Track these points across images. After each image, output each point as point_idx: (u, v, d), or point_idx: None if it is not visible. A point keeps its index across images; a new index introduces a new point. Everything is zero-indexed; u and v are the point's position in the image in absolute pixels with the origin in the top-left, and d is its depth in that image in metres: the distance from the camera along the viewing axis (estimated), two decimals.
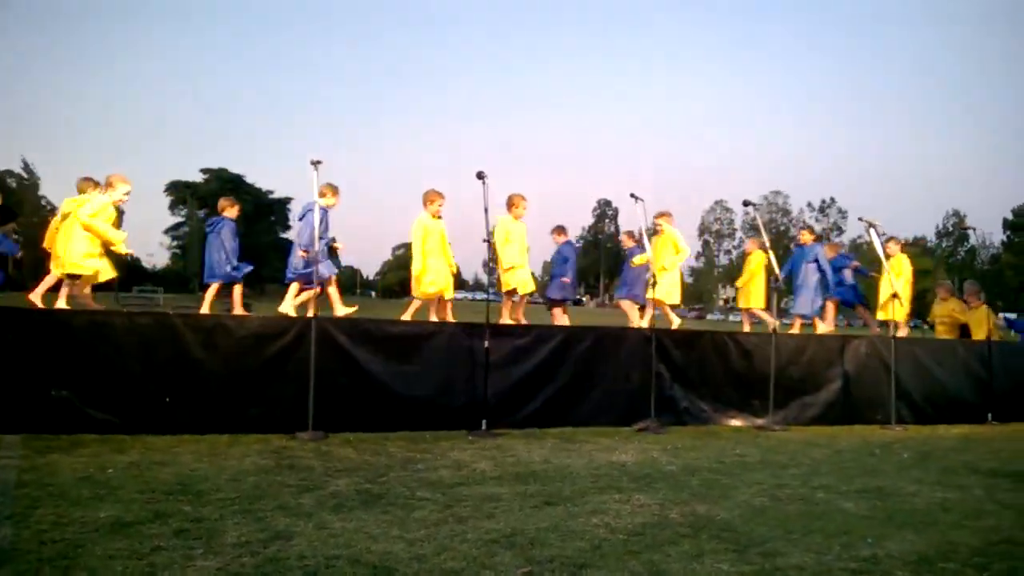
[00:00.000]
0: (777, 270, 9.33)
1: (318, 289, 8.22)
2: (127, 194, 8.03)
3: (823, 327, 10.73)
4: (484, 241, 8.04)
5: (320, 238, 8.18)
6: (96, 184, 8.43)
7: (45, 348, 6.54)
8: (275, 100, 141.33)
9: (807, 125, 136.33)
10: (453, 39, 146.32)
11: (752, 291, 11.05)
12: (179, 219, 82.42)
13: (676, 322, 9.79)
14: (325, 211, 8.50)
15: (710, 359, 8.71)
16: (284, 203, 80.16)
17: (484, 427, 7.31)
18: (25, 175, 66.08)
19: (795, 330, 10.42)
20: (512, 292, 9.40)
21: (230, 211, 9.27)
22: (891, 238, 11.41)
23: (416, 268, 8.60)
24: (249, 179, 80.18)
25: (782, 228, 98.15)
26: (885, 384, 9.27)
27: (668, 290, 9.73)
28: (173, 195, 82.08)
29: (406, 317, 8.37)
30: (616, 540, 3.98)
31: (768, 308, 10.29)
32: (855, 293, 11.91)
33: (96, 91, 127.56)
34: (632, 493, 5.09)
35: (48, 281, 8.07)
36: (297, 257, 8.68)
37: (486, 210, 7.79)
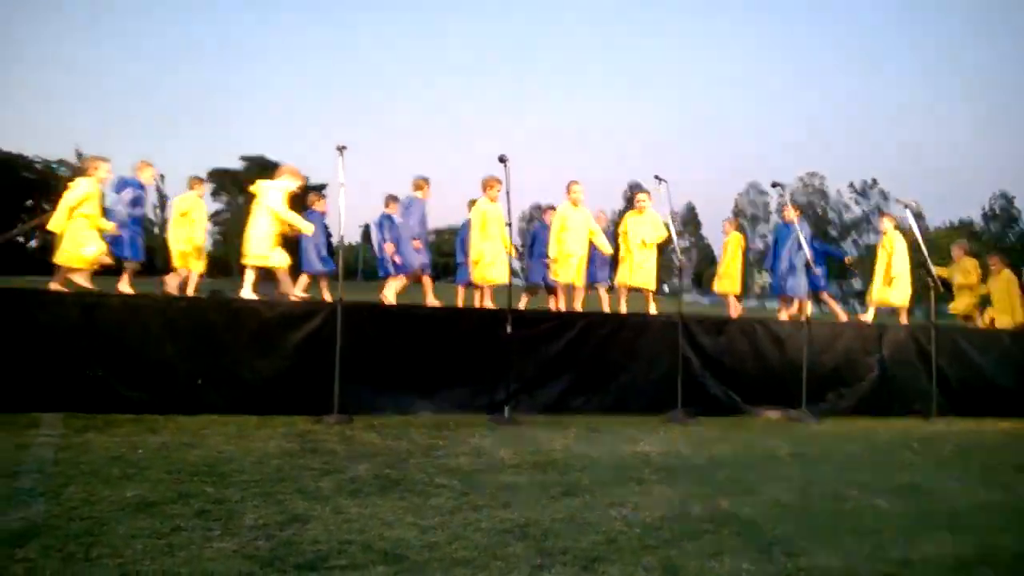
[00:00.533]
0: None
1: (410, 278, 8.84)
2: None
3: (785, 314, 10.34)
4: (507, 224, 8.01)
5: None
6: (201, 181, 9.65)
7: (81, 329, 6.69)
8: (309, 84, 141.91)
9: (846, 102, 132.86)
10: (487, 20, 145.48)
11: (734, 275, 10.95)
12: (220, 206, 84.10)
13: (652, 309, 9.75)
14: (423, 203, 8.89)
15: (740, 347, 8.56)
16: (320, 189, 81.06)
17: (506, 414, 7.29)
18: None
19: (793, 313, 10.17)
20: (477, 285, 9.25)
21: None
22: (883, 214, 10.95)
23: (474, 253, 8.72)
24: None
25: (820, 211, 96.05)
26: (925, 374, 9.02)
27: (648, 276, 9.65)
28: (214, 182, 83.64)
29: (389, 294, 8.54)
30: (632, 534, 3.92)
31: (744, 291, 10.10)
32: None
33: (137, 78, 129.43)
34: (653, 485, 5.02)
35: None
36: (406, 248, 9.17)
37: (508, 194, 7.74)
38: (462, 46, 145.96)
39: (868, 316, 10.46)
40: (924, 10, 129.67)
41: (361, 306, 7.66)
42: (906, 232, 10.21)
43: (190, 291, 9.34)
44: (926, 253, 9.80)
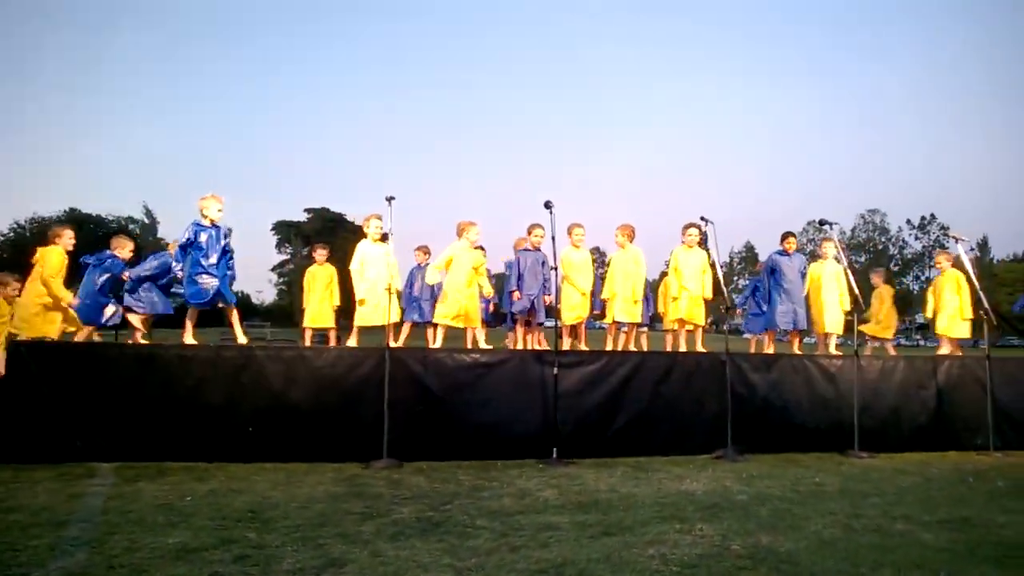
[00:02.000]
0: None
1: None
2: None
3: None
4: (552, 269, 8.08)
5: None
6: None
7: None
8: (365, 137, 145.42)
9: (906, 138, 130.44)
10: (530, 65, 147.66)
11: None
12: (284, 256, 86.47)
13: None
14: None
15: (790, 383, 8.40)
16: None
17: (555, 455, 7.28)
18: (146, 219, 70.72)
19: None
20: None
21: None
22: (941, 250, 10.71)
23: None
24: (348, 217, 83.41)
25: (880, 247, 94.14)
26: (983, 407, 8.72)
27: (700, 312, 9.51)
28: (279, 234, 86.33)
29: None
30: (669, 572, 3.89)
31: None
32: None
33: (203, 134, 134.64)
34: (695, 523, 4.96)
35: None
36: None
37: (553, 239, 7.83)
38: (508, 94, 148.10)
39: (943, 349, 10.31)
40: (985, 38, 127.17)
41: (410, 351, 7.76)
42: (961, 266, 10.03)
43: None
44: (977, 286, 9.60)
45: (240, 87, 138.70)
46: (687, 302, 9.30)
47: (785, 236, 10.05)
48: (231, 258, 8.10)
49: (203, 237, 7.82)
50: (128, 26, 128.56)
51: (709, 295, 9.34)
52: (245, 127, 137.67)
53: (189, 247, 7.80)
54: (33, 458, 6.57)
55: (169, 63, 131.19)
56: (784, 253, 9.96)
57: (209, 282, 7.79)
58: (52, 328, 8.01)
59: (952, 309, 10.20)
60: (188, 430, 6.94)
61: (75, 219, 74.79)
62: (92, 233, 75.07)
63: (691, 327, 9.45)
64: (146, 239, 70.15)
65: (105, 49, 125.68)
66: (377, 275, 8.50)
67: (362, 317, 8.58)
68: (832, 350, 9.60)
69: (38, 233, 73.27)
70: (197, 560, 3.95)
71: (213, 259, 7.81)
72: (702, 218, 8.90)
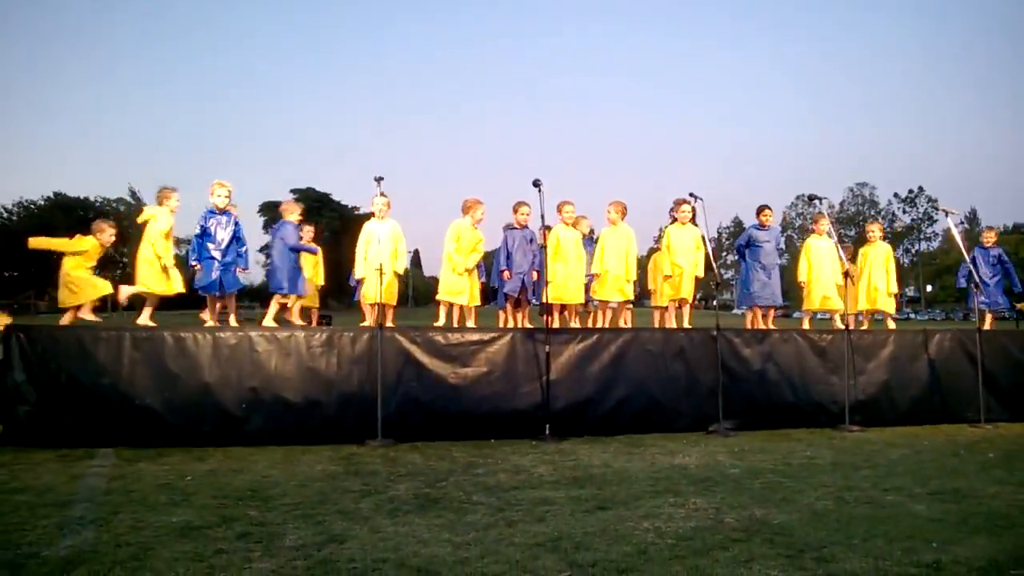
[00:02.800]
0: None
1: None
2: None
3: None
4: (541, 247, 8.11)
5: None
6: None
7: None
8: (354, 117, 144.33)
9: (894, 111, 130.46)
10: (524, 42, 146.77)
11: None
12: (270, 237, 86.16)
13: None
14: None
15: (781, 358, 8.49)
16: (367, 218, 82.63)
17: (548, 433, 7.35)
18: (133, 202, 70.27)
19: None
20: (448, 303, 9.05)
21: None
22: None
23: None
24: (334, 197, 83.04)
25: (869, 220, 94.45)
26: (973, 380, 8.83)
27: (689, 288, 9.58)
28: (265, 215, 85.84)
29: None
30: (664, 544, 3.96)
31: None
32: None
33: (190, 115, 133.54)
34: (689, 497, 5.04)
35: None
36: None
37: (543, 217, 7.86)
38: (496, 68, 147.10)
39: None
40: (970, 16, 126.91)
41: (402, 331, 7.77)
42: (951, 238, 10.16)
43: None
44: (967, 258, 9.71)
45: (226, 67, 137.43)
46: (679, 279, 9.34)
47: (761, 209, 9.96)
48: (243, 243, 8.13)
49: (211, 223, 7.95)
50: (108, 6, 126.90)
51: (701, 273, 9.39)
52: (231, 107, 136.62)
53: (202, 235, 7.88)
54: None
55: (153, 42, 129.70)
56: (760, 227, 9.93)
57: (215, 268, 7.87)
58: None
59: (882, 283, 10.10)
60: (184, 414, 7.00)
61: (61, 203, 74.36)
62: (79, 216, 74.80)
63: (678, 303, 9.51)
64: (133, 221, 69.87)
65: (84, 29, 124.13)
66: (384, 251, 8.50)
67: (365, 294, 8.64)
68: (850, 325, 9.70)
69: (25, 217, 72.90)
70: (201, 537, 4.01)
71: (221, 245, 7.90)
72: (691, 194, 8.95)
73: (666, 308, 9.64)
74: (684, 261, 9.26)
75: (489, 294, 9.93)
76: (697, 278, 9.46)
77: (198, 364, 7.10)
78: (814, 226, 10.33)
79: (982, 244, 10.66)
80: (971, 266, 9.83)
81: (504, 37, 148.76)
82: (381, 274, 7.76)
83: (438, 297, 8.89)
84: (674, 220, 9.51)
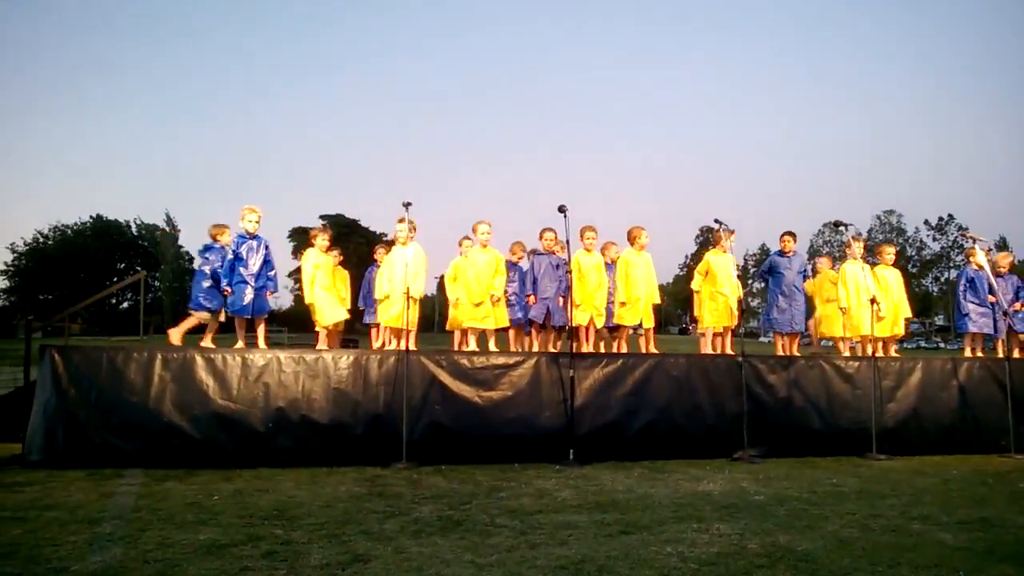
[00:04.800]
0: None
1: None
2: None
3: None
4: (568, 272, 8.17)
5: None
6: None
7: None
8: (379, 142, 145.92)
9: (922, 138, 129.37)
10: (546, 69, 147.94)
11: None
12: (300, 263, 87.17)
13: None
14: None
15: (807, 385, 8.43)
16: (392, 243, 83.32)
17: (572, 457, 7.35)
18: (167, 227, 71.50)
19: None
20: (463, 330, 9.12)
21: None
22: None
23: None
24: (363, 223, 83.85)
25: (897, 248, 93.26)
26: (1003, 408, 8.69)
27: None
28: (294, 241, 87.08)
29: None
30: (687, 569, 3.95)
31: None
32: None
33: (223, 144, 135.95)
34: (713, 523, 5.02)
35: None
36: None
37: (567, 242, 7.91)
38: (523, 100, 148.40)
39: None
40: (993, 39, 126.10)
41: (428, 354, 7.84)
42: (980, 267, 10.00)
43: None
44: (995, 287, 9.60)
45: (256, 94, 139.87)
46: (723, 306, 9.41)
47: (783, 236, 10.00)
48: (271, 267, 8.31)
49: (243, 248, 8.12)
50: (136, 31, 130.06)
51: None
52: (262, 135, 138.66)
53: (234, 259, 8.06)
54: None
55: (185, 69, 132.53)
56: (783, 254, 9.94)
57: (248, 292, 8.04)
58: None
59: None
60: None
61: (98, 227, 75.89)
62: (115, 240, 76.29)
63: (720, 331, 9.55)
64: (167, 246, 70.97)
65: (119, 56, 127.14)
66: (399, 276, 8.61)
67: (384, 318, 8.73)
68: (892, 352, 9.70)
69: (61, 241, 74.48)
70: (227, 556, 4.07)
71: (253, 269, 8.08)
72: (716, 221, 8.97)
73: (716, 334, 9.69)
74: (726, 288, 9.32)
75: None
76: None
77: (227, 384, 7.21)
78: (848, 251, 10.25)
79: (997, 271, 10.46)
80: (998, 294, 9.71)
81: (538, 64, 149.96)
82: (408, 298, 7.85)
83: (458, 324, 9.00)
84: (712, 246, 9.61)
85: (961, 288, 10.28)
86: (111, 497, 5.60)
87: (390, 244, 9.16)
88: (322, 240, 9.05)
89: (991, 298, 10.06)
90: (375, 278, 9.39)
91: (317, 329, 8.92)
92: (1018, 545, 4.56)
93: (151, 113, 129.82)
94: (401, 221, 8.61)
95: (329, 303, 8.98)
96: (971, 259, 10.34)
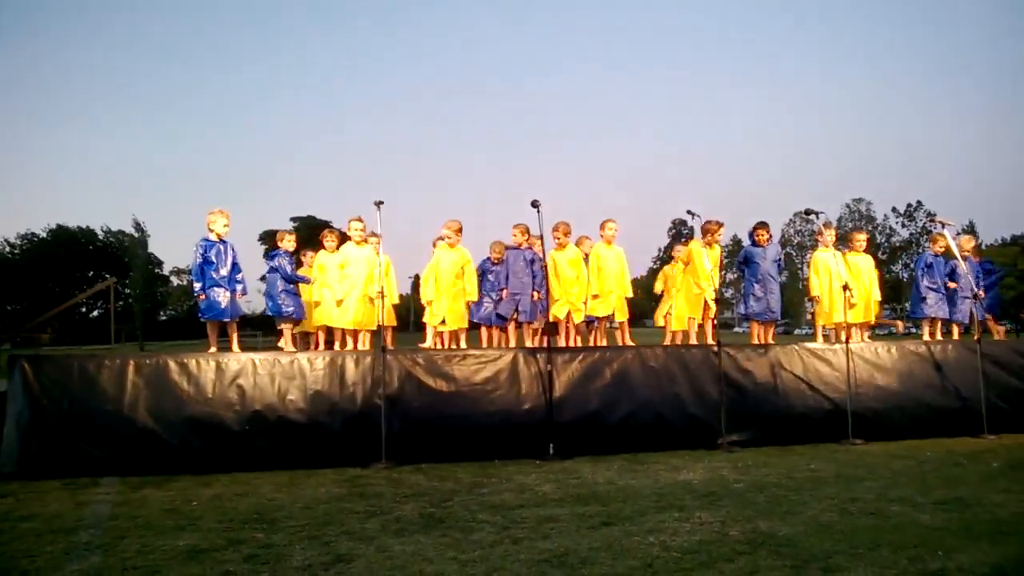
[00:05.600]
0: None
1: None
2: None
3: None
4: (542, 267, 8.17)
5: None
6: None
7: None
8: (350, 142, 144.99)
9: (891, 125, 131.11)
10: (521, 62, 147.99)
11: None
12: (273, 265, 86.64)
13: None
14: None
15: (783, 373, 8.50)
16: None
17: (552, 452, 7.35)
18: (136, 233, 70.32)
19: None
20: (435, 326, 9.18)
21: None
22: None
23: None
24: (336, 224, 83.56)
25: (868, 236, 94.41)
26: (976, 390, 8.82)
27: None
28: (266, 244, 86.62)
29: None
30: (669, 558, 3.97)
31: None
32: None
33: (190, 147, 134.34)
34: (694, 511, 5.05)
35: None
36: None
37: (541, 237, 7.92)
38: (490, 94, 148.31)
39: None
40: (960, 24, 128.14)
41: (405, 352, 7.83)
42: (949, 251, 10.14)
43: None
44: (963, 272, 9.73)
45: (225, 97, 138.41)
46: (699, 300, 9.58)
47: (757, 227, 10.08)
48: (239, 271, 8.25)
49: (212, 252, 8.02)
50: (107, 35, 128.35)
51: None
52: (230, 137, 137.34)
53: (204, 263, 7.95)
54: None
55: (151, 71, 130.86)
56: (757, 244, 10.03)
57: (223, 296, 7.96)
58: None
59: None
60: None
61: (63, 235, 74.64)
62: (83, 248, 75.08)
63: (700, 322, 9.73)
64: (136, 253, 69.88)
65: (83, 59, 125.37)
66: (357, 276, 8.73)
67: (340, 318, 8.73)
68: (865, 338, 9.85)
69: (28, 250, 73.16)
70: (208, 560, 4.02)
71: (224, 272, 8.01)
72: (688, 211, 9.02)
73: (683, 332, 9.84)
74: (704, 282, 9.52)
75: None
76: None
77: (202, 389, 7.12)
78: (820, 238, 10.34)
79: (962, 255, 10.57)
80: (968, 277, 9.86)
81: (507, 57, 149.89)
82: (382, 298, 7.90)
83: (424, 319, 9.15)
84: (691, 240, 9.73)
85: (919, 273, 10.45)
86: (87, 506, 5.52)
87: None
88: (288, 242, 9.06)
89: (951, 284, 10.21)
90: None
91: (280, 327, 8.94)
92: (993, 524, 4.64)
93: (113, 116, 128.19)
94: (359, 221, 8.81)
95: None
96: (934, 245, 10.48)
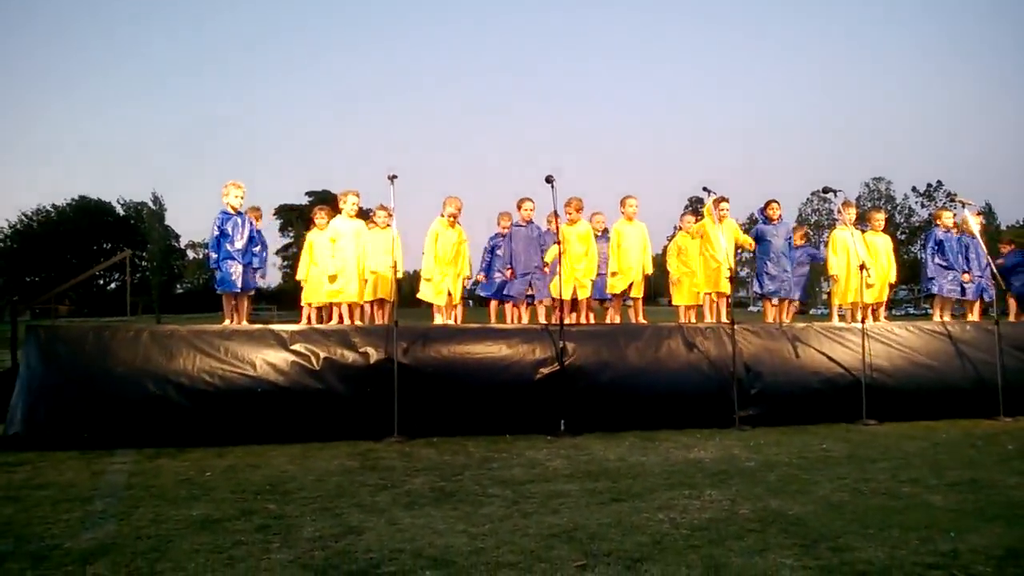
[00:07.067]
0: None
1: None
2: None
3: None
4: (555, 243, 8.14)
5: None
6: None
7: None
8: (366, 119, 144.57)
9: (911, 105, 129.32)
10: (528, 37, 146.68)
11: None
12: (288, 240, 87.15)
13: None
14: None
15: (796, 352, 8.45)
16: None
17: (563, 428, 7.35)
18: (154, 206, 70.85)
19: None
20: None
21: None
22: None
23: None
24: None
25: (886, 215, 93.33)
26: (993, 372, 8.73)
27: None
28: (282, 218, 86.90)
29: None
30: (678, 535, 3.97)
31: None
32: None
33: (206, 119, 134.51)
34: (704, 489, 5.05)
35: None
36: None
37: (556, 214, 7.88)
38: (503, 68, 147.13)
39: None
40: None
41: (413, 328, 7.83)
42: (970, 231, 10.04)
43: None
44: (984, 250, 9.62)
45: (242, 71, 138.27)
46: (718, 274, 9.58)
47: (768, 204, 10.00)
48: (256, 243, 8.26)
49: (228, 224, 8.02)
50: (126, 11, 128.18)
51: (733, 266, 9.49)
52: (247, 112, 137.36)
53: (220, 236, 7.97)
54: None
55: (170, 47, 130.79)
56: (768, 221, 9.94)
57: (236, 268, 7.98)
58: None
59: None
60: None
61: (84, 207, 75.14)
62: (102, 220, 75.52)
63: (715, 297, 9.77)
64: (153, 225, 70.36)
65: (103, 34, 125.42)
66: (348, 249, 8.75)
67: (331, 293, 8.74)
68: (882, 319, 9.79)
69: (47, 223, 73.74)
70: (220, 530, 4.07)
71: (239, 245, 8.02)
72: (704, 189, 8.94)
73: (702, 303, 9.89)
74: (721, 257, 9.43)
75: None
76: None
77: (219, 359, 7.16)
78: (839, 216, 10.23)
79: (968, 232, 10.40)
80: (988, 258, 9.75)
81: (520, 38, 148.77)
82: (394, 274, 7.96)
83: (419, 296, 9.11)
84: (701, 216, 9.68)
85: (929, 251, 10.35)
86: (103, 475, 5.58)
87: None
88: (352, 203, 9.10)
89: (966, 276, 10.07)
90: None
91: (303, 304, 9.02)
92: (1007, 506, 4.60)
93: (132, 90, 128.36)
94: (355, 195, 8.98)
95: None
96: (941, 222, 10.40)
